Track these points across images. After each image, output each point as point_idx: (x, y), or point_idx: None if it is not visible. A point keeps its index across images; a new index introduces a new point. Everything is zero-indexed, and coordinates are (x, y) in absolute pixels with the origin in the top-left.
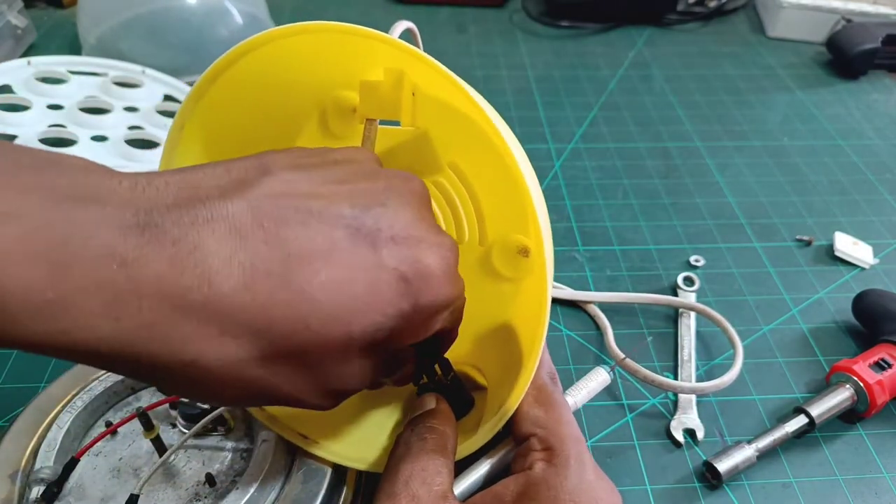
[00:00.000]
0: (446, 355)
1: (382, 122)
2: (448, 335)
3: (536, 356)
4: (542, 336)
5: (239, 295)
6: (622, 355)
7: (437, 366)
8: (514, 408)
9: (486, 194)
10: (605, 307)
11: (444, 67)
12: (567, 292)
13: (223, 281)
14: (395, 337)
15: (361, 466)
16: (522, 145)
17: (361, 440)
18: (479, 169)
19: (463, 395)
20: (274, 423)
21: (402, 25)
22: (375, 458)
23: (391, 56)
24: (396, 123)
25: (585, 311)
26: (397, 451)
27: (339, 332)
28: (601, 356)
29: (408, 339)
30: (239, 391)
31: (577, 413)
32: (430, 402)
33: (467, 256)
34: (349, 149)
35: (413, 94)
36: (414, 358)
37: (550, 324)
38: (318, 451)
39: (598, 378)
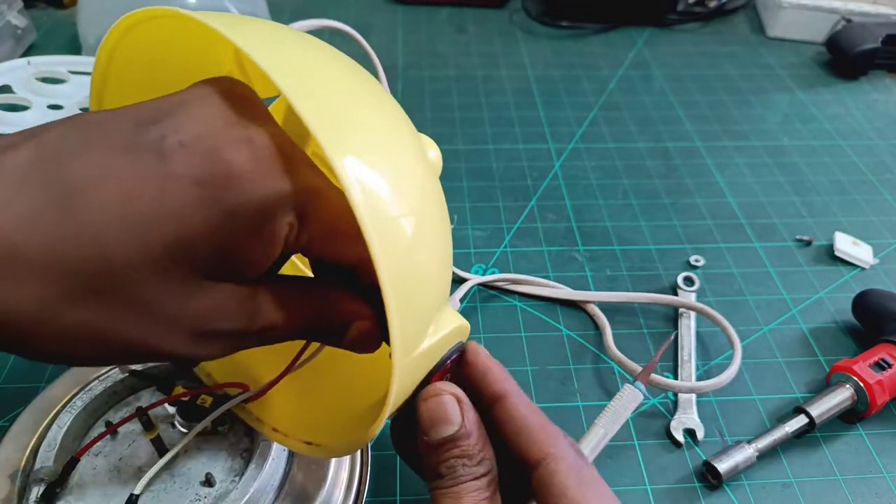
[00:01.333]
0: None
1: None
2: (326, 249)
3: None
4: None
5: (21, 234)
6: (639, 368)
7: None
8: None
9: None
10: (604, 307)
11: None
12: (566, 292)
13: (5, 226)
14: (227, 252)
15: (366, 442)
16: (522, 145)
17: (363, 425)
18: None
19: None
20: (276, 434)
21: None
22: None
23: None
24: None
25: (585, 311)
26: (433, 492)
27: (135, 253)
28: (600, 355)
29: (247, 253)
30: (71, 342)
31: (579, 418)
32: (449, 411)
33: None
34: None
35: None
36: (311, 293)
37: (550, 323)
38: (325, 454)
39: (633, 399)
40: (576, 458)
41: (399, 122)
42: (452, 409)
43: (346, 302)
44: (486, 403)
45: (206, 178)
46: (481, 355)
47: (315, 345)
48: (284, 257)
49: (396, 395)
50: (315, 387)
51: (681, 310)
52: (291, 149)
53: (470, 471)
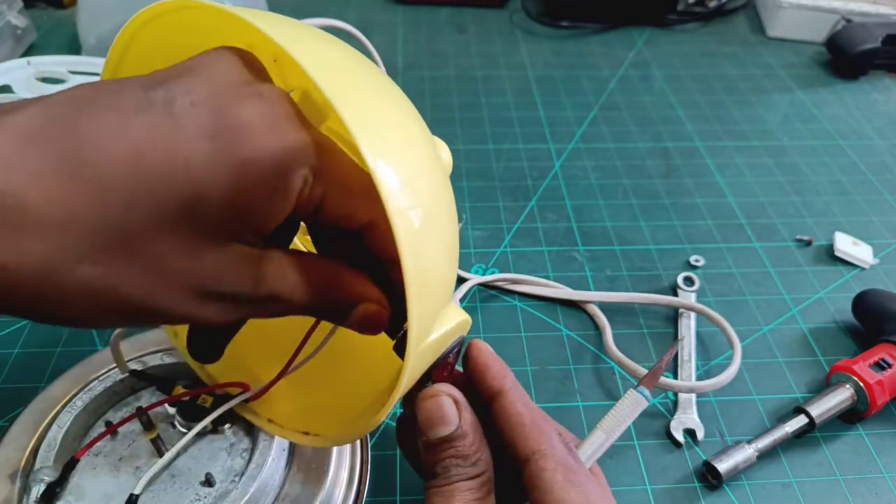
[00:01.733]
0: None
1: None
2: (339, 207)
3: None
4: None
5: (31, 190)
6: (643, 370)
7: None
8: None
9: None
10: (604, 307)
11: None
12: (566, 292)
13: (14, 178)
14: (240, 208)
15: (368, 431)
16: (522, 145)
17: (361, 416)
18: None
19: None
20: (272, 426)
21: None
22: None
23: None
24: None
25: (585, 311)
26: (427, 490)
27: (146, 210)
28: (600, 355)
29: (260, 207)
30: (77, 300)
31: (579, 418)
32: (447, 412)
33: None
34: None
35: (275, 61)
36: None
37: (550, 323)
38: (322, 443)
39: (636, 404)
40: (565, 455)
41: (414, 121)
42: (450, 409)
43: (355, 280)
44: (485, 400)
45: (218, 132)
46: (483, 352)
47: (314, 344)
48: (294, 222)
49: (406, 384)
50: (313, 378)
51: (681, 310)
52: (288, 104)
53: (463, 471)
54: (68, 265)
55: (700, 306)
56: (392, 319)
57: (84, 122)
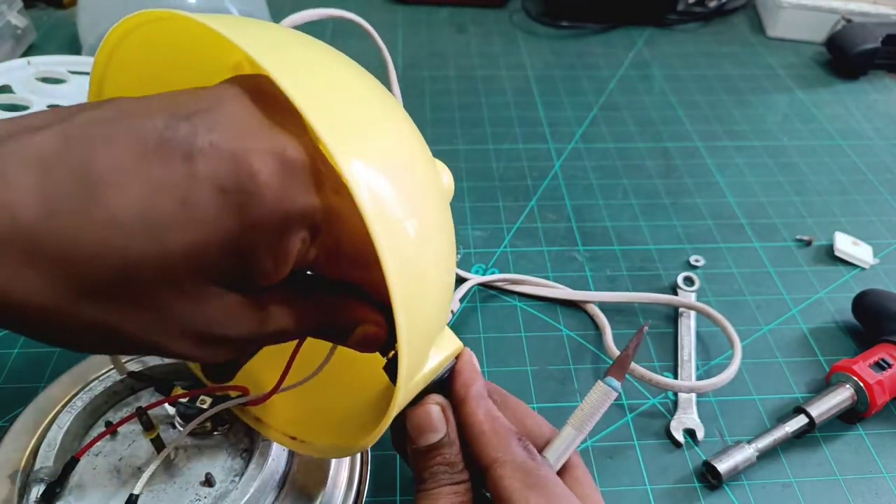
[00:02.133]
0: None
1: None
2: (331, 264)
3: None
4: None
5: (42, 223)
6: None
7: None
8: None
9: None
10: (604, 307)
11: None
12: (566, 292)
13: (25, 210)
14: (242, 263)
15: (356, 451)
16: (522, 145)
17: (351, 429)
18: None
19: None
20: (260, 424)
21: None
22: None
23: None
24: None
25: (585, 311)
26: (416, 494)
27: (152, 255)
28: (600, 355)
29: (261, 265)
30: (73, 331)
31: None
32: (435, 420)
33: None
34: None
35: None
36: (311, 301)
37: (550, 323)
38: (309, 451)
39: (605, 397)
40: (525, 460)
41: (414, 144)
42: (438, 418)
43: (354, 307)
44: (454, 407)
45: (231, 185)
46: (463, 359)
47: (321, 358)
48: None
49: (391, 416)
50: (311, 386)
51: (681, 310)
52: (318, 163)
53: (450, 476)
54: (70, 301)
55: (700, 305)
56: (385, 338)
57: (102, 154)
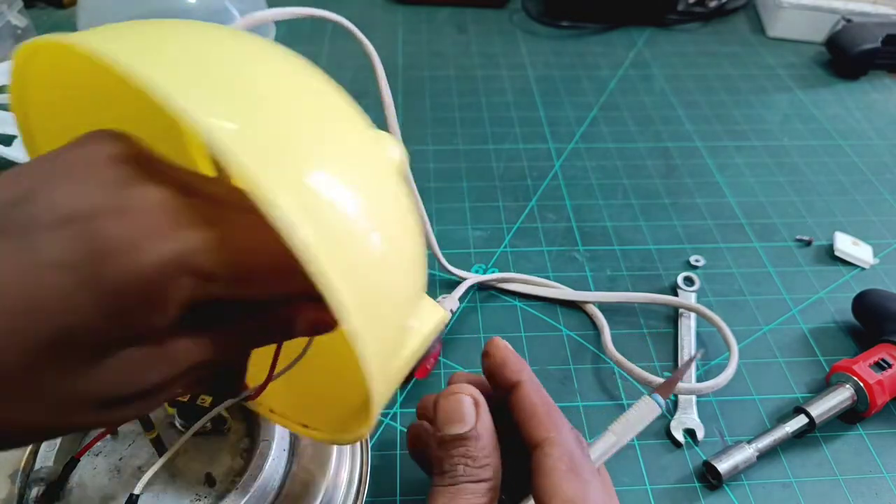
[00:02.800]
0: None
1: None
2: (252, 293)
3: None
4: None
5: None
6: (659, 380)
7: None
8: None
9: None
10: (604, 307)
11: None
12: (566, 292)
13: None
14: (116, 329)
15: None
16: (522, 145)
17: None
18: None
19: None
20: (273, 415)
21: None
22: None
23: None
24: None
25: (584, 311)
26: (432, 488)
27: (13, 349)
28: (600, 355)
29: (140, 322)
30: None
31: (579, 418)
32: (465, 411)
33: None
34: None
35: None
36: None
37: (550, 323)
38: (320, 437)
39: (649, 411)
40: (574, 447)
41: (343, 123)
42: (468, 409)
43: (281, 309)
44: (504, 392)
45: (78, 259)
46: (500, 348)
47: (314, 347)
48: (200, 306)
49: (378, 399)
50: (309, 374)
51: (681, 310)
52: (183, 201)
53: (471, 472)
54: None
55: (698, 306)
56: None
57: None
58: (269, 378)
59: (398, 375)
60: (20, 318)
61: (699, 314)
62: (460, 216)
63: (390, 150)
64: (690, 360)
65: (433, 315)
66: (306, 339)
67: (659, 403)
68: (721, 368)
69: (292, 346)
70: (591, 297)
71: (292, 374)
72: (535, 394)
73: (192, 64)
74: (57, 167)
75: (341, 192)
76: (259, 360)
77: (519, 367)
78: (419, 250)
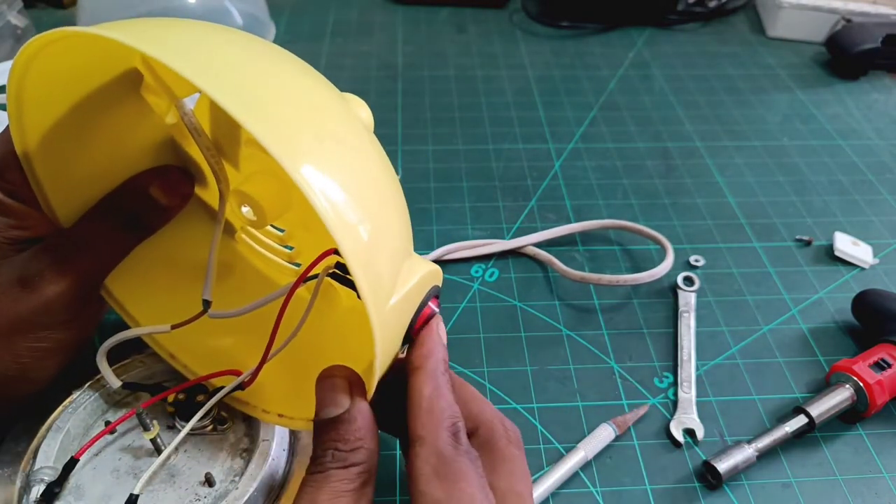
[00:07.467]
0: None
1: None
2: None
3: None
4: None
5: None
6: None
7: None
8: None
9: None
10: (603, 307)
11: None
12: (504, 243)
13: None
14: None
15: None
16: (522, 145)
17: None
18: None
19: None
20: (267, 415)
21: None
22: None
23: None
24: None
25: (527, 255)
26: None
27: None
28: (600, 356)
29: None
30: None
31: (578, 418)
32: (338, 394)
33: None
34: None
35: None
36: None
37: (550, 324)
38: (298, 426)
39: (601, 435)
40: (445, 447)
41: (307, 88)
42: (342, 391)
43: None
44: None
45: None
46: (428, 328)
47: (294, 323)
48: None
49: (382, 346)
50: (304, 364)
51: (681, 310)
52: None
53: (340, 457)
54: None
55: (622, 222)
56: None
57: None
58: (264, 361)
59: (395, 326)
60: None
61: (625, 230)
62: (460, 216)
63: (359, 111)
64: (640, 411)
65: (423, 266)
66: (306, 339)
67: (613, 429)
68: (722, 368)
69: (294, 346)
70: (527, 240)
71: (290, 365)
72: (427, 385)
73: (227, 69)
74: None
75: (342, 158)
76: (252, 351)
77: (428, 353)
78: (402, 202)
